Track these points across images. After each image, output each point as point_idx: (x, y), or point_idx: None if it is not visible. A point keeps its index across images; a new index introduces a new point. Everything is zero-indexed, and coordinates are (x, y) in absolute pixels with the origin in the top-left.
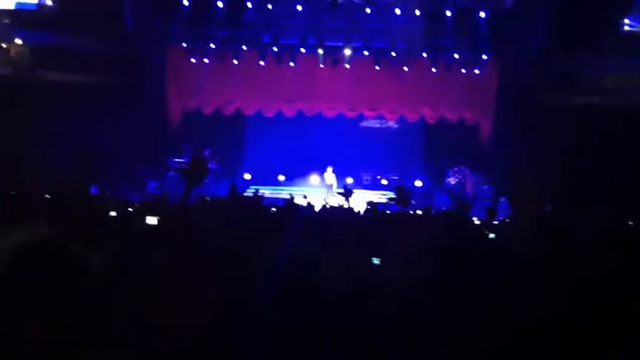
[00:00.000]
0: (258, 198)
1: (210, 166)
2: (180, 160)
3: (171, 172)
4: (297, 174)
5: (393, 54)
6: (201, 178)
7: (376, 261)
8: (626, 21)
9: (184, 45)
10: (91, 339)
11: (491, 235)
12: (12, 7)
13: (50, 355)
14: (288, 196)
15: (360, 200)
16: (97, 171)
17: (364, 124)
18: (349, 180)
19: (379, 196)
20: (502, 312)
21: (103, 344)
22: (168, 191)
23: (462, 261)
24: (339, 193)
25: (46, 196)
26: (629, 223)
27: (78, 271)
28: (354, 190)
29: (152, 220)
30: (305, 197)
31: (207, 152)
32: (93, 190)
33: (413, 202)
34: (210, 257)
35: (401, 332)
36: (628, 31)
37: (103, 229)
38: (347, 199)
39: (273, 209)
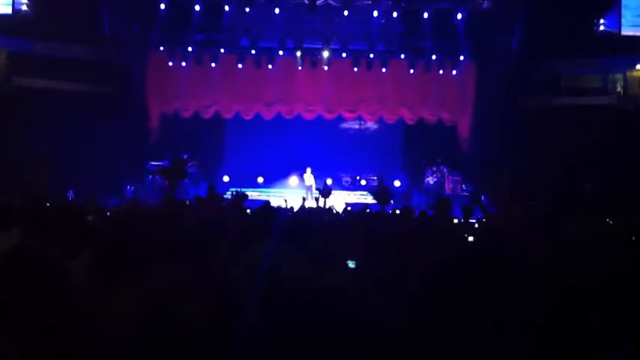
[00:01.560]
0: (241, 197)
1: (188, 169)
2: (159, 163)
3: (150, 177)
4: (276, 176)
5: (372, 56)
6: (180, 178)
7: (352, 265)
8: (602, 21)
9: (162, 49)
10: (73, 347)
11: (470, 238)
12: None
13: None
14: (266, 200)
15: (339, 200)
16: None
17: (343, 125)
18: (329, 181)
19: (358, 197)
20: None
21: (85, 351)
22: (145, 195)
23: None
24: (318, 191)
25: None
26: (608, 221)
27: (57, 278)
28: (332, 190)
29: None
30: (285, 200)
31: (185, 155)
32: (70, 194)
33: (392, 201)
34: (191, 260)
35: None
36: (603, 31)
37: (80, 235)
38: (325, 199)
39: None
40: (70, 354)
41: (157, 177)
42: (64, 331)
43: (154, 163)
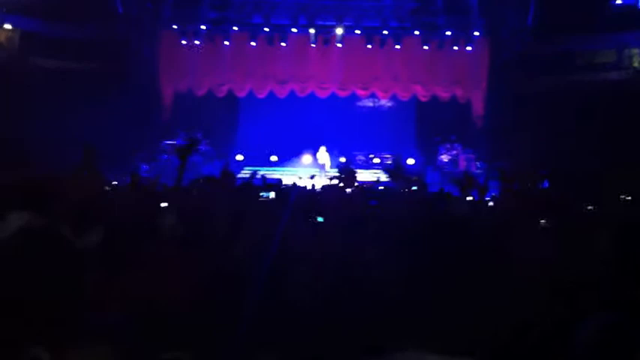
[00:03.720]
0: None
1: (202, 147)
2: (173, 142)
3: (165, 156)
4: (289, 154)
5: (385, 32)
6: (189, 154)
7: (320, 219)
8: None
9: (175, 27)
10: (82, 328)
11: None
12: None
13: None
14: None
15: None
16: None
17: (357, 103)
18: (342, 159)
19: (372, 175)
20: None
21: (93, 333)
22: (158, 174)
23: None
24: (337, 176)
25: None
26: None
27: (71, 257)
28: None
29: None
30: (300, 178)
31: (199, 134)
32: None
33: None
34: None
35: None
36: (619, 5)
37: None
38: (348, 181)
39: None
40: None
41: (172, 156)
42: (70, 313)
43: (168, 142)
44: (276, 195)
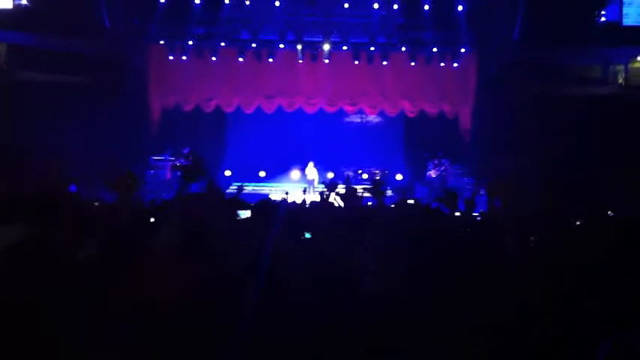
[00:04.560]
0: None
1: (189, 163)
2: (161, 157)
3: (152, 171)
4: (278, 170)
5: (372, 48)
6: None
7: (308, 235)
8: (603, 12)
9: (162, 42)
10: (83, 336)
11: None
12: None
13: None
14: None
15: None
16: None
17: (345, 119)
18: (330, 175)
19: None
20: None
21: (95, 341)
22: (146, 189)
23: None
24: (323, 185)
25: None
26: (609, 213)
27: (66, 268)
28: (338, 183)
29: None
30: (287, 193)
31: (186, 150)
32: (72, 188)
33: (390, 194)
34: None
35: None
36: (605, 22)
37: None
38: (329, 193)
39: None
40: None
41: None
42: (68, 323)
43: (155, 157)
44: (261, 211)
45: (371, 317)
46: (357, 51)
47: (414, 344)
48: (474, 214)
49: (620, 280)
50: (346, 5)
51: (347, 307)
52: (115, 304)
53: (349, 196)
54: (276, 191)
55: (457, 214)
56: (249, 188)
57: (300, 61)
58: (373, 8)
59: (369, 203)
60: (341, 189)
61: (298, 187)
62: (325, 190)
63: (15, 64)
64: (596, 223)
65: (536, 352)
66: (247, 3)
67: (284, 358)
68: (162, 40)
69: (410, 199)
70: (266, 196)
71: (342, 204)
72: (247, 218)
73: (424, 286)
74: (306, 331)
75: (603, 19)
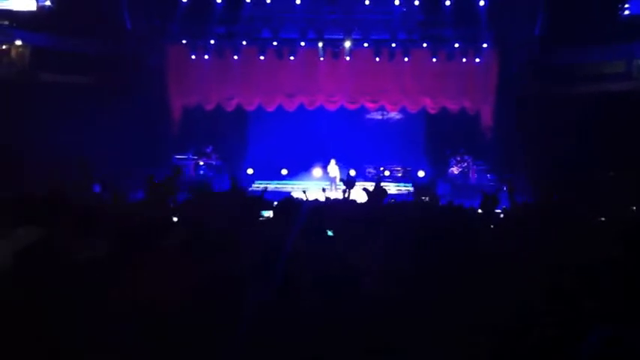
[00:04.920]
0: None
1: (212, 161)
2: (184, 156)
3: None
4: (300, 167)
5: (393, 45)
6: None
7: (330, 233)
8: (627, 6)
9: (184, 42)
10: (89, 338)
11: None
12: (33, 7)
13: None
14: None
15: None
16: (94, 178)
17: (366, 116)
18: (352, 172)
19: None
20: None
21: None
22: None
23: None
24: (342, 182)
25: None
26: (633, 209)
27: (77, 270)
28: (356, 181)
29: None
30: (305, 192)
31: (209, 149)
32: (96, 188)
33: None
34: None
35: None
36: (628, 16)
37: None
38: (349, 190)
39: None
40: (71, 344)
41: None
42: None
43: (178, 156)
44: (282, 211)
45: (372, 317)
46: (378, 48)
47: (414, 344)
48: (497, 210)
49: (620, 279)
50: (367, 2)
51: (348, 307)
52: (125, 304)
53: (378, 194)
54: (298, 189)
55: (479, 211)
56: (272, 186)
57: (321, 59)
58: (394, 5)
59: (392, 200)
60: (361, 186)
61: (320, 184)
62: (344, 187)
63: (37, 66)
64: (615, 221)
65: (536, 352)
66: (268, 1)
67: (285, 358)
68: (183, 39)
69: (429, 196)
70: (288, 194)
71: (363, 200)
72: (268, 218)
73: (424, 286)
74: (307, 331)
75: (627, 12)
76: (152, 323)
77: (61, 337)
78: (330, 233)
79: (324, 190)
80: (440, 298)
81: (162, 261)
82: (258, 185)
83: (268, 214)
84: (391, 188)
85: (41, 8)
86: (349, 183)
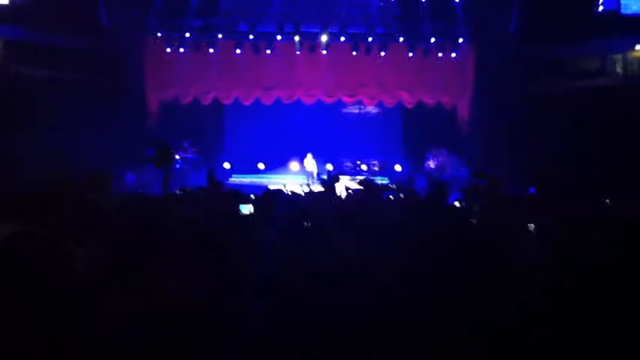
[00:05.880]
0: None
1: (189, 155)
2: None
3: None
4: (277, 162)
5: (370, 39)
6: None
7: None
8: (600, 1)
9: (160, 35)
10: (80, 335)
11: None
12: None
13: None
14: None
15: (340, 185)
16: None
17: (343, 110)
18: (329, 166)
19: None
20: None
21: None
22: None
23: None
24: (322, 181)
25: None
26: (606, 201)
27: (57, 265)
28: (339, 176)
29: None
30: (284, 186)
31: (185, 143)
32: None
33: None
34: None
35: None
36: (603, 11)
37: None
38: (329, 187)
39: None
40: (70, 345)
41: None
42: (63, 321)
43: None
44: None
45: (371, 317)
46: (355, 42)
47: (414, 344)
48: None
49: (621, 279)
50: None
51: (347, 307)
52: (122, 305)
53: (367, 189)
54: (275, 183)
55: (456, 204)
56: (248, 180)
57: (298, 53)
58: None
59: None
60: (348, 181)
61: (297, 178)
62: (327, 182)
63: (11, 60)
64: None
65: (536, 352)
66: None
67: (284, 358)
68: (159, 32)
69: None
70: (265, 187)
71: (345, 195)
72: (250, 214)
73: (424, 285)
74: (305, 331)
75: (601, 7)
76: (151, 324)
77: (47, 335)
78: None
79: (307, 185)
80: (437, 297)
81: (156, 259)
82: (235, 179)
83: (247, 208)
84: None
85: (14, 2)
86: (332, 179)
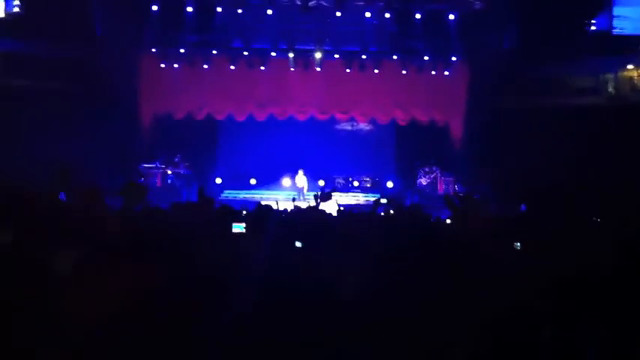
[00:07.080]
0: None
1: (181, 170)
2: (151, 165)
3: (142, 179)
4: (268, 177)
5: (364, 57)
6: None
7: (299, 244)
8: (593, 21)
9: (154, 50)
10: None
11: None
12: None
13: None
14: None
15: (332, 202)
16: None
17: (336, 126)
18: (321, 182)
19: (351, 198)
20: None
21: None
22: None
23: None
24: (315, 197)
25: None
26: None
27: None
28: (332, 193)
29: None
30: (277, 202)
31: (177, 158)
32: (61, 196)
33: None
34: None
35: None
36: (595, 31)
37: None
38: (324, 202)
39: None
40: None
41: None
42: (37, 327)
43: (146, 165)
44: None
45: (369, 318)
46: (349, 59)
47: (412, 345)
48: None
49: (620, 282)
50: (338, 14)
51: (328, 319)
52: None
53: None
54: (266, 199)
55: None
56: (240, 196)
57: (292, 69)
58: (365, 17)
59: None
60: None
61: (289, 194)
62: (318, 199)
63: (5, 71)
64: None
65: (536, 352)
66: (240, 11)
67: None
68: (154, 47)
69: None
70: (258, 202)
71: (334, 213)
72: (242, 233)
73: (423, 287)
74: (306, 331)
75: (593, 27)
76: (139, 335)
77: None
78: (298, 244)
79: (293, 199)
80: (437, 298)
81: (142, 271)
82: (227, 194)
83: (238, 227)
84: (360, 199)
85: (9, 14)
86: (326, 196)
